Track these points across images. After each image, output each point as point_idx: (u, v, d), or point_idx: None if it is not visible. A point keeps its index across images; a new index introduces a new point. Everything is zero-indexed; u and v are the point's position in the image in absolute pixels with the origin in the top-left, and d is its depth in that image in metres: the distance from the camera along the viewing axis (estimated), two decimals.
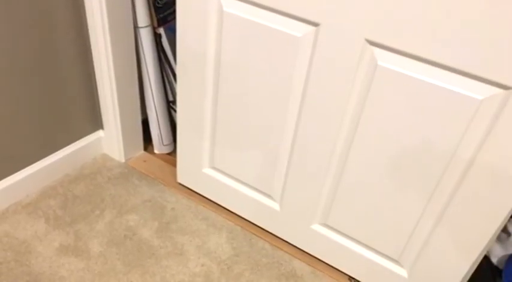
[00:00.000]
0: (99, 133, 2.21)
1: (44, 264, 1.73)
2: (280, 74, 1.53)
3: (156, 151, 2.31)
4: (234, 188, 1.94)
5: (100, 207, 1.98)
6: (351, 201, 1.63)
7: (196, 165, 2.00)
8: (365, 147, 1.48)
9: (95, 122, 2.16)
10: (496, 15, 1.11)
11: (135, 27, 1.95)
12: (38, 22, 1.72)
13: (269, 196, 1.86)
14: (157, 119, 2.18)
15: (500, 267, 1.69)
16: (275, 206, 1.86)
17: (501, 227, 1.40)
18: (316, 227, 1.79)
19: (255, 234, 1.94)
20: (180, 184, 2.14)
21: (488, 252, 1.71)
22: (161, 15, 2.01)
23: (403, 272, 1.67)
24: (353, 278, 1.81)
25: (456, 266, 1.53)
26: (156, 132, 2.23)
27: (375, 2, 1.25)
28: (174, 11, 2.01)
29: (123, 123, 2.11)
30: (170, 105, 2.23)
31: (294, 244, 1.91)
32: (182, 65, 1.75)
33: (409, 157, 1.41)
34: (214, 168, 1.96)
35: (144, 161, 2.26)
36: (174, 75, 2.12)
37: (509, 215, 1.36)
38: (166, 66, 2.11)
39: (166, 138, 2.27)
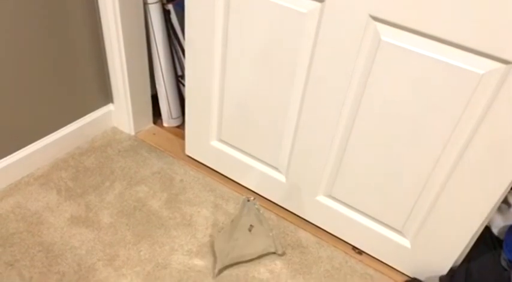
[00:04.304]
0: (110, 107, 2.19)
1: (55, 235, 1.72)
2: (286, 49, 1.51)
3: (165, 124, 2.29)
4: (240, 160, 1.92)
5: (110, 179, 1.97)
6: (355, 173, 1.62)
7: (204, 138, 1.98)
8: (369, 120, 1.47)
9: (105, 96, 2.15)
10: None
11: (145, 3, 1.93)
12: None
13: (275, 168, 1.85)
14: (166, 93, 2.16)
15: (501, 237, 1.68)
16: (281, 177, 1.85)
17: (502, 198, 1.40)
18: (321, 198, 1.78)
19: (261, 205, 1.92)
20: (188, 156, 2.12)
21: (489, 222, 1.69)
22: None
23: (405, 242, 1.66)
24: (357, 248, 1.80)
25: (458, 236, 1.52)
26: (165, 106, 2.22)
27: None
28: None
29: (132, 97, 2.09)
30: (179, 80, 2.21)
31: (300, 215, 1.89)
32: (190, 41, 1.73)
33: (411, 130, 1.40)
34: (221, 140, 1.94)
35: (154, 134, 2.24)
36: (183, 50, 2.10)
37: (510, 187, 1.35)
38: (175, 41, 2.09)
39: (175, 111, 2.25)
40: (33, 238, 1.70)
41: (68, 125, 2.03)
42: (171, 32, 2.06)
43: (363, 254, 1.79)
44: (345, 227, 1.78)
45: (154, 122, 2.30)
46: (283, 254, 1.74)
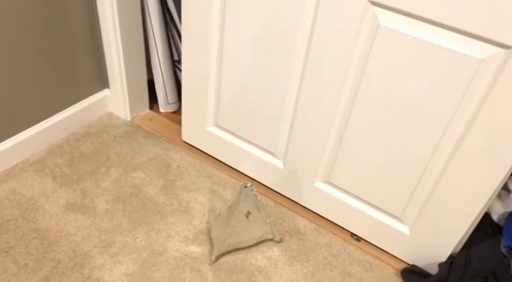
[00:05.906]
0: (105, 92, 2.17)
1: (50, 221, 1.71)
2: (284, 33, 1.50)
3: (161, 110, 2.28)
4: (238, 146, 1.91)
5: (106, 165, 1.96)
6: (353, 159, 1.61)
7: (200, 124, 1.97)
8: (367, 106, 1.46)
9: (101, 81, 2.13)
10: None
11: None
12: None
13: (273, 154, 1.84)
14: (163, 78, 2.15)
15: (501, 224, 1.68)
16: (279, 164, 1.84)
17: (501, 185, 1.39)
18: (319, 185, 1.77)
19: (259, 191, 1.92)
20: (185, 142, 2.11)
21: (488, 209, 1.69)
22: None
23: (404, 229, 1.66)
24: (355, 235, 1.80)
25: (457, 222, 1.51)
26: (162, 91, 2.20)
27: None
28: None
29: (129, 82, 2.07)
30: (175, 65, 2.20)
31: (297, 201, 1.89)
32: (187, 25, 1.72)
33: (410, 115, 1.39)
34: (218, 126, 1.94)
35: (150, 120, 2.23)
36: (180, 35, 2.08)
37: (509, 173, 1.35)
38: (172, 26, 2.08)
39: (172, 97, 2.24)
40: (28, 225, 1.69)
41: (64, 111, 2.02)
42: (167, 16, 2.04)
43: (362, 240, 1.78)
44: (343, 214, 1.77)
45: (151, 108, 2.29)
46: (281, 240, 1.74)
